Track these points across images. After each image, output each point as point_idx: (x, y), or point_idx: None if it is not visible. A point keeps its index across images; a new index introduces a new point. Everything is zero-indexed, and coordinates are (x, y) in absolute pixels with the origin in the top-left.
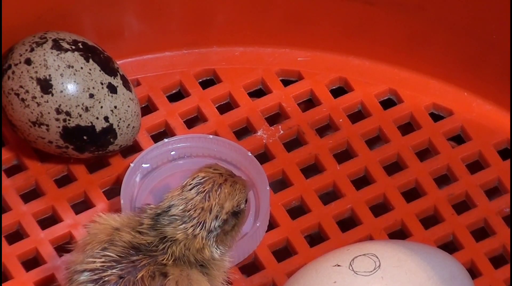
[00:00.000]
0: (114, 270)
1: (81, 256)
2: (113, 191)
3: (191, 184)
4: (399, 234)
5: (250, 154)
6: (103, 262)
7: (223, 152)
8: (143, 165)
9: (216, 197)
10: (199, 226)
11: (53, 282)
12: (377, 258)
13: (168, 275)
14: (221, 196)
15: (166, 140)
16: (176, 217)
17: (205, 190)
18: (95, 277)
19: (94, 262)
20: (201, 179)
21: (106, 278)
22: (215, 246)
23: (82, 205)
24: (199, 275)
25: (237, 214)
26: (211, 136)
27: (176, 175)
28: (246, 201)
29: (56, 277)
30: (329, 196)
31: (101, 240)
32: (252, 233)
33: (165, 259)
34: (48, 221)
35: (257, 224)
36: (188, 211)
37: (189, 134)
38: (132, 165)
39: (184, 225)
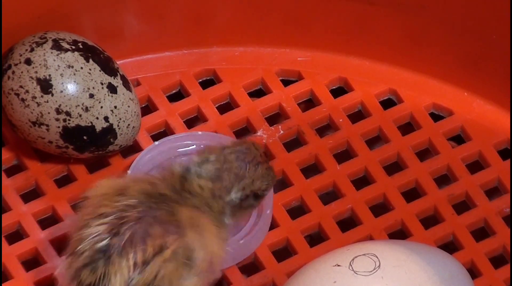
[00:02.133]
0: (130, 213)
1: (91, 208)
2: None
3: (233, 149)
4: (399, 234)
5: None
6: (120, 206)
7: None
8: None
9: (252, 170)
10: (225, 189)
11: (53, 282)
12: (377, 258)
13: (180, 211)
14: (257, 172)
15: (169, 137)
16: (208, 172)
17: (245, 160)
18: (113, 219)
19: (112, 206)
20: (245, 149)
21: (125, 219)
22: (228, 215)
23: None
24: (208, 220)
25: (257, 197)
26: (214, 133)
27: None
28: (270, 189)
29: (56, 277)
30: (329, 196)
31: (111, 196)
32: (260, 227)
33: (181, 204)
34: (48, 221)
35: (260, 222)
36: (221, 170)
37: (191, 132)
38: (129, 172)
39: (211, 183)
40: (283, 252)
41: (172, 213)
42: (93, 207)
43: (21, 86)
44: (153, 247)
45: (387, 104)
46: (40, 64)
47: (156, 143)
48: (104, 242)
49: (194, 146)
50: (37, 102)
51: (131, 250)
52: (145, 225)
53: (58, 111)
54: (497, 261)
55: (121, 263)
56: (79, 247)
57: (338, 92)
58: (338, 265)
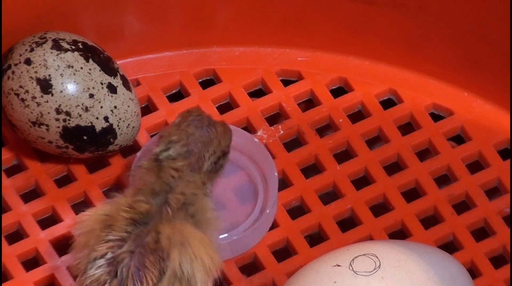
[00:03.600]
0: (123, 249)
1: (87, 250)
2: (113, 191)
3: (186, 121)
4: (399, 234)
5: (256, 140)
6: (111, 243)
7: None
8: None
9: (214, 132)
10: (201, 160)
11: (53, 282)
12: (377, 258)
13: (161, 234)
14: (218, 132)
15: None
16: (178, 153)
17: (203, 126)
18: (108, 261)
19: (103, 249)
20: (197, 117)
21: (120, 257)
22: (209, 184)
23: (82, 205)
24: (192, 228)
25: (225, 155)
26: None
27: None
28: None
29: (56, 277)
30: (329, 196)
31: (100, 229)
32: (262, 220)
33: (163, 217)
34: (48, 221)
35: (267, 211)
36: (189, 146)
37: None
38: (138, 154)
39: (186, 160)
40: (283, 252)
41: (157, 237)
42: (86, 249)
43: (21, 86)
44: (151, 278)
45: (387, 104)
46: (40, 64)
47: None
48: None
49: None
50: (37, 102)
51: None
52: (138, 258)
53: (58, 111)
54: (497, 261)
55: None
56: None
57: (338, 92)
58: (338, 265)
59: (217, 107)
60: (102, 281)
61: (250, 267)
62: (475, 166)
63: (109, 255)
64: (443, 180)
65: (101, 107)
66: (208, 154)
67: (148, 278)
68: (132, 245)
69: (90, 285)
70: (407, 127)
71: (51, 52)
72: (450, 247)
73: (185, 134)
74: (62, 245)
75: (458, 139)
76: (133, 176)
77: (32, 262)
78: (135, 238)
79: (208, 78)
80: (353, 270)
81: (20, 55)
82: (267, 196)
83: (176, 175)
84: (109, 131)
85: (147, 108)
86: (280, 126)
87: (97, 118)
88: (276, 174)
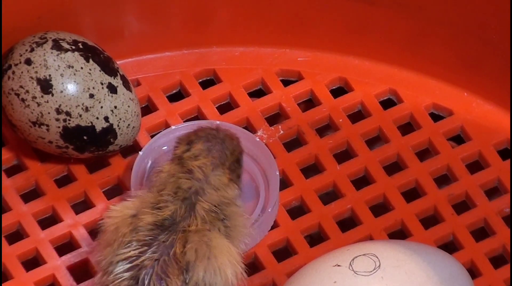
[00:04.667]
0: (147, 254)
1: (111, 249)
2: (113, 191)
3: (203, 133)
4: (399, 234)
5: (258, 139)
6: (134, 250)
7: None
8: (163, 148)
9: (229, 140)
10: (222, 157)
11: (53, 282)
12: (377, 258)
13: (187, 243)
14: (236, 145)
15: (173, 127)
16: (200, 150)
17: (219, 136)
18: (131, 264)
19: (127, 252)
20: (212, 131)
21: (143, 263)
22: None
23: (82, 205)
24: (221, 239)
25: (239, 162)
26: (218, 122)
27: None
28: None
29: (56, 277)
30: (329, 196)
31: (124, 233)
32: (263, 220)
33: (191, 222)
34: (48, 221)
35: (268, 210)
36: (209, 143)
37: (197, 121)
38: (141, 153)
39: (209, 158)
40: (283, 252)
41: (183, 248)
42: (110, 248)
43: (21, 86)
44: None
45: (387, 104)
46: (40, 64)
47: (173, 127)
48: None
49: None
50: (37, 102)
51: None
52: (161, 266)
53: (58, 111)
54: (497, 261)
55: None
56: None
57: (338, 92)
58: (338, 265)
59: (217, 107)
60: None
61: (250, 267)
62: (475, 166)
63: (132, 259)
64: (443, 180)
65: (101, 107)
66: (229, 151)
67: None
68: (157, 252)
69: None
70: (407, 127)
71: (51, 52)
72: (450, 247)
73: (204, 134)
74: (62, 245)
75: (458, 139)
76: (153, 180)
77: (32, 262)
78: (159, 244)
79: (208, 78)
80: (353, 270)
81: (21, 55)
82: (268, 195)
83: (201, 173)
84: (109, 131)
85: (147, 108)
86: (280, 126)
87: (97, 118)
88: (277, 173)
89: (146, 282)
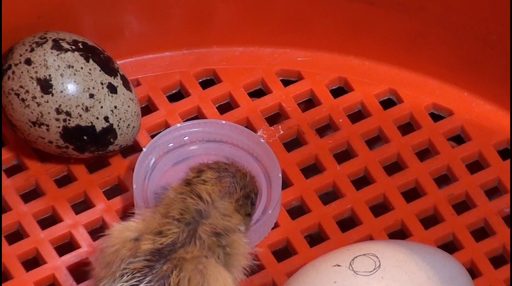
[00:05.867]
0: (144, 284)
1: (109, 271)
2: (113, 191)
3: (224, 165)
4: (399, 234)
5: (262, 140)
6: (131, 277)
7: (235, 137)
8: (169, 145)
9: (249, 183)
10: (231, 187)
11: (53, 282)
12: (377, 258)
13: (181, 272)
14: (251, 184)
15: (178, 125)
16: (210, 178)
17: (240, 172)
18: None
19: (123, 279)
20: (230, 167)
21: None
22: (242, 219)
23: (82, 205)
24: (216, 267)
25: (253, 202)
26: (223, 122)
27: (189, 160)
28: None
29: (56, 277)
30: (329, 196)
31: (124, 256)
32: (265, 220)
33: (190, 249)
34: (48, 221)
35: (269, 211)
36: (220, 173)
37: (201, 119)
38: (144, 150)
39: (218, 186)
40: (283, 252)
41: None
42: (108, 269)
43: (21, 86)
44: None
45: (387, 104)
46: (40, 64)
47: (178, 125)
48: None
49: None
50: (37, 102)
51: None
52: None
53: (58, 111)
54: (497, 261)
55: None
56: None
57: (338, 92)
58: (338, 265)
59: (217, 107)
60: None
61: (250, 267)
62: (475, 166)
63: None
64: (443, 180)
65: (101, 107)
66: (239, 186)
67: None
68: (153, 281)
69: None
70: (407, 127)
71: (51, 52)
72: (450, 247)
73: (216, 166)
74: (62, 245)
75: (458, 139)
76: (160, 199)
77: (32, 262)
78: (156, 273)
79: (208, 78)
80: (353, 270)
81: (21, 55)
82: (270, 196)
83: (209, 199)
84: (109, 131)
85: (147, 108)
86: (280, 126)
87: (97, 118)
88: (280, 174)
89: None
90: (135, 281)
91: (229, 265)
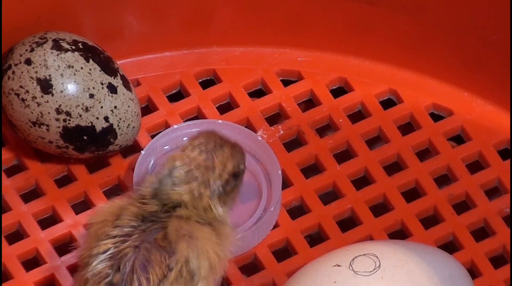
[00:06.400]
0: (128, 243)
1: (94, 241)
2: (113, 191)
3: (193, 145)
4: (399, 234)
5: (260, 138)
6: (116, 239)
7: (233, 136)
8: (165, 147)
9: (219, 156)
10: (202, 184)
11: (53, 282)
12: (377, 258)
13: (168, 227)
14: (224, 155)
15: (175, 126)
16: (180, 178)
17: (207, 150)
18: (112, 254)
19: (108, 242)
20: (203, 140)
21: (123, 252)
22: (219, 206)
23: (82, 205)
24: (199, 225)
25: (237, 176)
26: (220, 121)
27: None
28: (244, 163)
29: (56, 277)
30: (329, 196)
31: (109, 221)
32: (265, 219)
33: (175, 213)
34: (48, 221)
35: (271, 209)
36: (191, 171)
37: (200, 120)
38: (143, 152)
39: (188, 185)
40: (283, 252)
41: (165, 233)
42: (94, 240)
43: (21, 86)
44: (156, 275)
45: (387, 104)
46: (40, 64)
47: (175, 126)
48: (108, 279)
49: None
50: (37, 102)
51: (135, 282)
52: (143, 253)
53: (58, 111)
54: (497, 261)
55: None
56: None
57: (338, 92)
58: (338, 265)
59: (217, 107)
60: (104, 275)
61: (250, 267)
62: (475, 166)
63: (112, 250)
64: (443, 180)
65: (101, 107)
66: (212, 179)
67: (154, 274)
68: (137, 240)
69: (91, 278)
70: (407, 127)
71: (51, 52)
72: (450, 247)
73: (188, 159)
74: (62, 245)
75: (458, 139)
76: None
77: (32, 262)
78: (140, 233)
79: (208, 78)
80: (353, 270)
81: (21, 55)
82: (270, 194)
83: (179, 199)
84: (109, 131)
85: (147, 108)
86: (280, 126)
87: (97, 118)
88: (280, 173)
89: (127, 269)
90: (120, 241)
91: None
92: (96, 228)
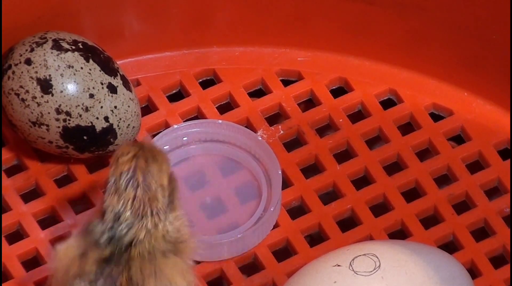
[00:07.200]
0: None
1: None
2: None
3: (122, 182)
4: (399, 234)
5: (260, 138)
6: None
7: (233, 136)
8: (165, 147)
9: (152, 180)
10: (154, 216)
11: None
12: (377, 258)
13: (131, 269)
14: (156, 178)
15: (175, 126)
16: (131, 221)
17: (139, 181)
18: None
19: None
20: (128, 172)
21: None
22: (171, 217)
23: (82, 205)
24: (164, 256)
25: (172, 179)
26: (220, 121)
27: (188, 160)
28: (168, 161)
29: None
30: (329, 196)
31: (73, 269)
32: (265, 219)
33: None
34: (48, 221)
35: (271, 209)
36: (138, 209)
37: (199, 120)
38: None
39: (140, 223)
40: (283, 252)
41: (130, 276)
42: None
43: (21, 86)
44: None
45: (387, 104)
46: (40, 64)
47: (175, 126)
48: None
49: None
50: (37, 102)
51: None
52: None
53: (58, 111)
54: (497, 261)
55: None
56: None
57: (338, 92)
58: (338, 265)
59: (217, 107)
60: None
61: (250, 267)
62: (475, 166)
63: None
64: (443, 180)
65: (101, 107)
66: (159, 204)
67: None
68: (106, 281)
69: None
70: (407, 127)
71: (51, 52)
72: (450, 247)
73: (127, 198)
74: None
75: (458, 139)
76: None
77: (32, 262)
78: (106, 278)
79: (208, 78)
80: (353, 270)
81: (21, 55)
82: (270, 194)
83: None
84: (109, 131)
85: (147, 108)
86: (280, 126)
87: (97, 118)
88: (280, 172)
89: None
90: None
91: (178, 253)
92: (61, 276)
